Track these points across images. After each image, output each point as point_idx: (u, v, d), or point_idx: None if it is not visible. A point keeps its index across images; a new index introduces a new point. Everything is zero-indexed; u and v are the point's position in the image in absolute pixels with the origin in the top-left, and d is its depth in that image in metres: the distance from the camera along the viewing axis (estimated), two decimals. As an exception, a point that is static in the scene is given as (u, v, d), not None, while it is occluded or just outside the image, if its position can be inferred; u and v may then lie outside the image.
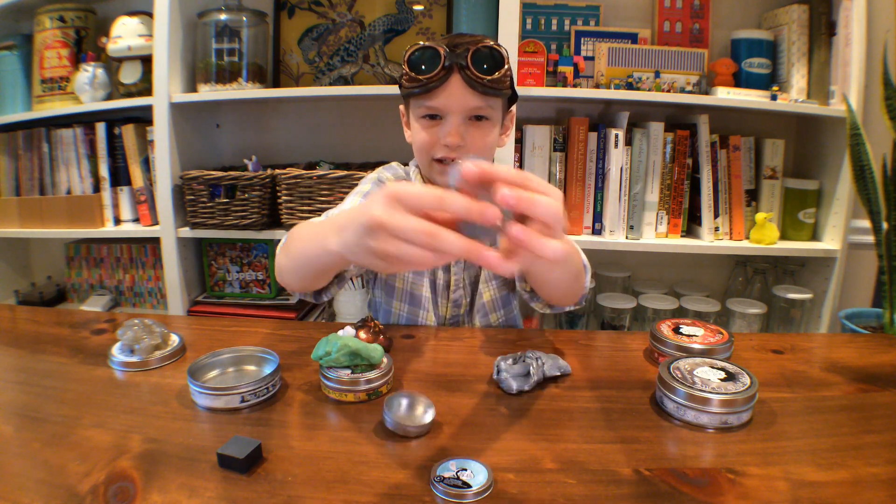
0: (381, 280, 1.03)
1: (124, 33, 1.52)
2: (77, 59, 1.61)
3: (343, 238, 0.54)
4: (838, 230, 1.45)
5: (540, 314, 1.67)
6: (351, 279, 1.09)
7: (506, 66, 0.85)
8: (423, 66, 0.84)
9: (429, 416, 0.64)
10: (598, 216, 1.50)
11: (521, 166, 1.49)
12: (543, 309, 0.94)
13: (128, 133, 1.57)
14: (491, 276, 1.01)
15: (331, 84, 1.63)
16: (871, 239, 1.29)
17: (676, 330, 0.83)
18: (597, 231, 1.51)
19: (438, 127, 0.88)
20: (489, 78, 0.83)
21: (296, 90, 1.59)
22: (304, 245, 0.73)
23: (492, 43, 0.85)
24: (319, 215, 1.09)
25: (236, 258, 1.60)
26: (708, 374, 0.68)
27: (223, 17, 1.50)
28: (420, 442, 0.62)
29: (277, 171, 1.46)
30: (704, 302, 1.53)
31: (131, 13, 1.53)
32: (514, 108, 0.97)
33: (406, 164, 1.05)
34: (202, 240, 1.60)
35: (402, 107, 0.97)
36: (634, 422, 0.66)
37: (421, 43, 0.85)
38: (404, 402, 0.66)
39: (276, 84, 1.66)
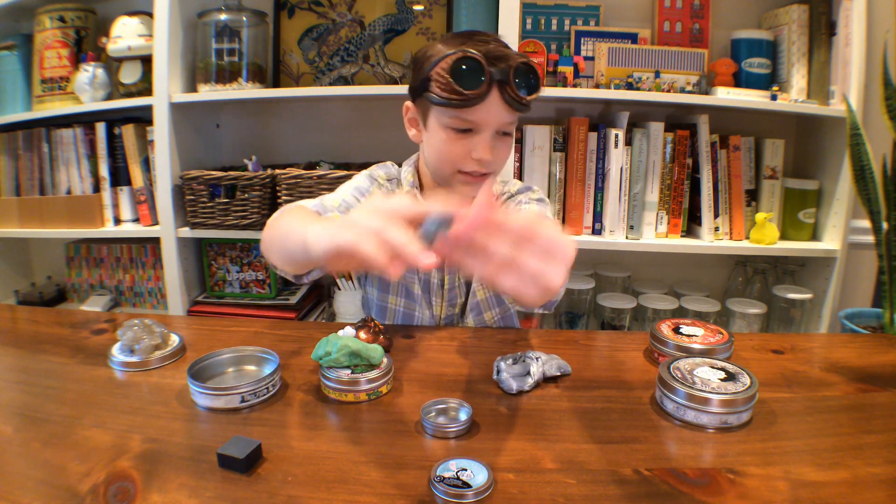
0: (373, 276, 1.03)
1: (124, 33, 1.52)
2: (77, 59, 1.61)
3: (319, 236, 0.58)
4: (838, 230, 1.45)
5: (541, 315, 1.67)
6: (346, 278, 1.11)
7: (542, 87, 0.85)
8: (467, 79, 0.81)
9: (465, 416, 0.64)
10: (598, 216, 1.50)
11: (521, 166, 1.49)
12: (513, 304, 0.95)
13: (128, 133, 1.57)
14: None
15: (331, 84, 1.63)
16: (871, 239, 1.29)
17: (676, 330, 0.83)
18: (597, 231, 1.51)
19: (468, 140, 0.86)
20: (529, 98, 0.84)
21: (296, 90, 1.59)
22: (287, 233, 0.72)
23: (529, 60, 0.84)
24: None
25: (236, 258, 1.60)
26: (708, 374, 0.68)
27: (223, 17, 1.49)
28: (420, 442, 0.62)
29: (277, 171, 1.46)
30: (704, 302, 1.53)
31: (131, 13, 1.53)
32: None
33: (401, 164, 1.05)
34: (202, 240, 1.60)
35: (408, 104, 0.94)
36: (634, 422, 0.66)
37: (464, 52, 0.81)
38: (439, 407, 0.67)
39: (276, 84, 1.66)
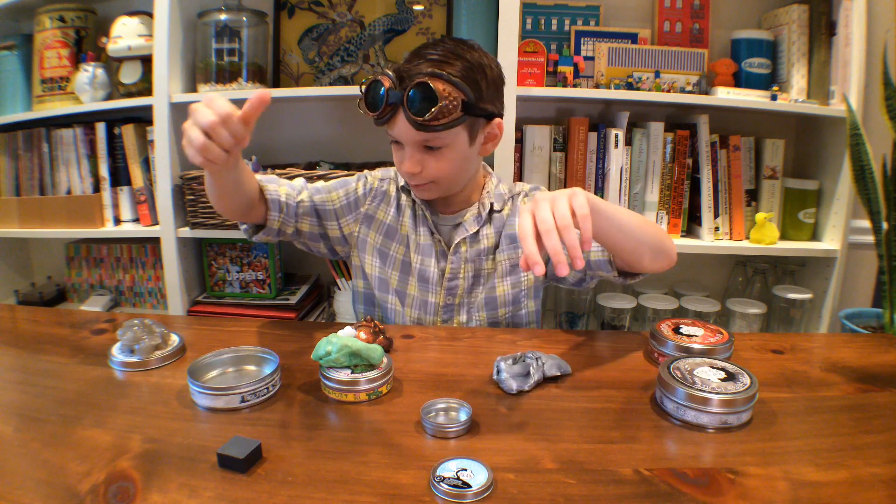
0: (356, 267, 1.07)
1: (124, 33, 1.51)
2: (77, 59, 1.61)
3: None
4: (838, 230, 1.45)
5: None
6: (346, 278, 1.14)
7: (441, 104, 0.84)
8: (372, 102, 0.88)
9: (465, 416, 0.64)
10: (598, 216, 1.50)
11: (521, 166, 1.49)
12: (634, 280, 0.97)
13: (128, 133, 1.57)
14: (507, 272, 1.03)
15: (331, 84, 1.63)
16: (871, 239, 1.29)
17: (676, 330, 0.83)
18: (597, 231, 1.51)
19: (402, 151, 0.93)
20: (420, 119, 0.85)
21: (296, 90, 1.59)
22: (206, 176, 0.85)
23: (429, 79, 0.84)
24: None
25: (236, 258, 1.60)
26: (708, 374, 0.68)
27: (223, 17, 1.49)
28: (420, 442, 0.62)
29: (277, 171, 1.46)
30: (704, 302, 1.53)
31: (131, 13, 1.53)
32: (497, 119, 0.96)
33: None
34: (202, 240, 1.60)
35: None
36: (634, 422, 0.66)
37: (375, 75, 0.89)
38: (439, 407, 0.67)
39: (276, 84, 1.66)
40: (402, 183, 1.05)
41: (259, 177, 0.97)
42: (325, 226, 1.04)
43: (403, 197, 1.05)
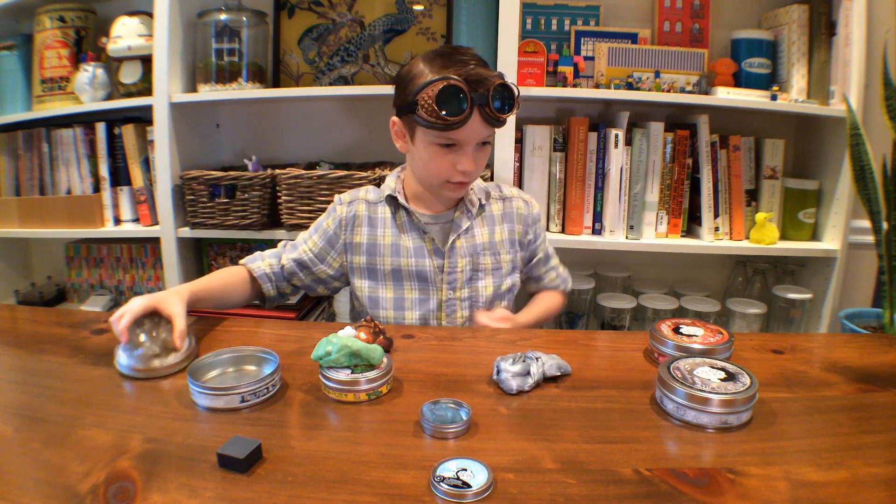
0: (357, 269, 1.09)
1: (124, 33, 1.51)
2: (77, 59, 1.61)
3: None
4: (838, 230, 1.45)
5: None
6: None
7: (517, 102, 0.95)
8: (451, 106, 0.90)
9: (464, 416, 0.64)
10: (598, 216, 1.50)
11: (521, 166, 1.49)
12: None
13: (128, 133, 1.57)
14: (509, 271, 1.11)
15: (331, 84, 1.63)
16: (871, 239, 1.29)
17: (676, 330, 0.83)
18: (597, 231, 1.51)
19: (452, 154, 0.95)
20: (505, 116, 0.94)
21: (296, 90, 1.59)
22: None
23: (507, 81, 0.94)
24: (318, 216, 1.16)
25: (236, 258, 1.59)
26: (708, 374, 0.68)
27: (223, 17, 1.49)
28: (420, 442, 0.62)
29: (277, 171, 1.46)
30: (704, 302, 1.53)
31: (131, 13, 1.53)
32: None
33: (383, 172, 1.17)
34: (202, 240, 1.60)
35: (395, 119, 1.01)
36: (634, 422, 0.66)
37: (447, 80, 0.89)
38: (438, 407, 0.67)
39: (276, 84, 1.66)
40: (373, 198, 1.08)
41: (244, 260, 1.09)
42: (315, 272, 1.10)
43: (380, 209, 1.07)
